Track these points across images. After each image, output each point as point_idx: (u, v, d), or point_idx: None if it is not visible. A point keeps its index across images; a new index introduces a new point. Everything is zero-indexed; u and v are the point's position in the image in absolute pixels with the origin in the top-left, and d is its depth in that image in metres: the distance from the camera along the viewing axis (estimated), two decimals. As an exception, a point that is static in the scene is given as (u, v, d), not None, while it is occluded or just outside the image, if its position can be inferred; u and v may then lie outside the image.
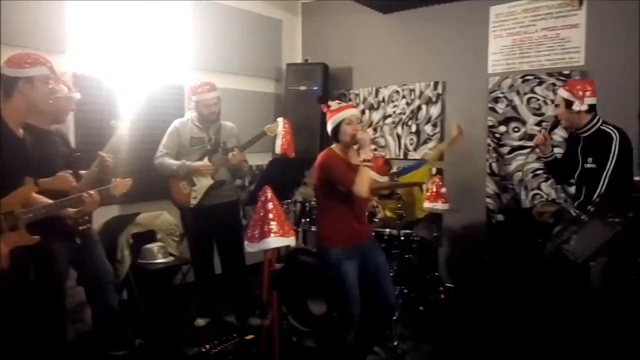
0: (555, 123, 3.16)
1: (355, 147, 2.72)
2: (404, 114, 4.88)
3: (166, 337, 3.56)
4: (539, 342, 3.12)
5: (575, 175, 3.04)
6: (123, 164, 3.04)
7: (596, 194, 2.82)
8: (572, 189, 3.46)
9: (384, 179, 3.83)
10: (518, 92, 4.17)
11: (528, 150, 3.96)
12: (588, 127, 2.96)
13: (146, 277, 3.80)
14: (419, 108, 4.78)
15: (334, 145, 2.77)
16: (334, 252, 2.66)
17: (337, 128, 2.69)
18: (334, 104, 2.75)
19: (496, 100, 4.30)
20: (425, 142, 4.72)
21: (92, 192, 2.60)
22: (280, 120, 3.76)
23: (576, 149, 3.02)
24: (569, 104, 2.94)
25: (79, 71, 3.71)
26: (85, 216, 2.83)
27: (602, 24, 3.80)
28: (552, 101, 3.23)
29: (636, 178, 3.10)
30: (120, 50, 3.96)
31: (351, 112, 2.71)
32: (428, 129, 4.72)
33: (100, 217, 3.69)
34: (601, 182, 2.81)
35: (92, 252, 2.96)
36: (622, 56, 3.71)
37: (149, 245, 3.87)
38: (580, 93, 2.93)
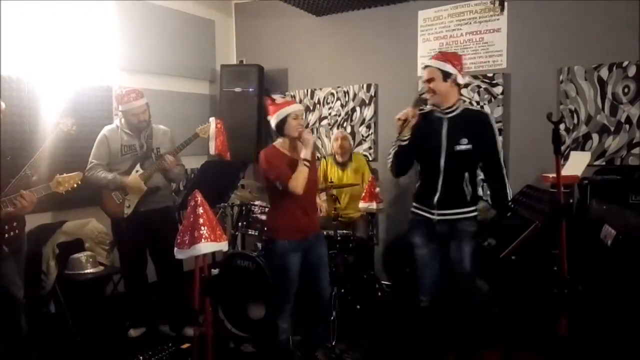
0: (422, 100, 2.81)
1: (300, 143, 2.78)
2: (339, 115, 4.94)
3: (98, 350, 3.42)
4: (473, 335, 3.23)
5: (441, 161, 2.66)
6: (54, 169, 2.80)
7: (491, 176, 2.67)
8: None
9: None
10: (446, 94, 4.32)
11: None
12: (455, 106, 2.69)
13: (75, 288, 3.63)
14: (353, 110, 4.86)
15: (277, 141, 2.83)
16: (280, 244, 2.76)
17: (282, 122, 2.74)
18: (278, 98, 2.83)
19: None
20: (360, 143, 4.80)
21: (24, 192, 2.43)
22: (212, 120, 3.72)
23: (438, 132, 2.67)
24: (446, 76, 2.63)
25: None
26: (14, 222, 2.59)
27: (521, 28, 4.01)
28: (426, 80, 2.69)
29: (550, 175, 3.28)
30: (44, 50, 3.77)
31: (297, 107, 2.79)
32: (362, 130, 4.80)
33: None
34: (491, 161, 2.64)
35: (10, 265, 2.76)
36: (540, 58, 3.94)
37: (76, 255, 3.68)
38: (459, 66, 2.66)
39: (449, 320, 2.79)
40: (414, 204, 2.84)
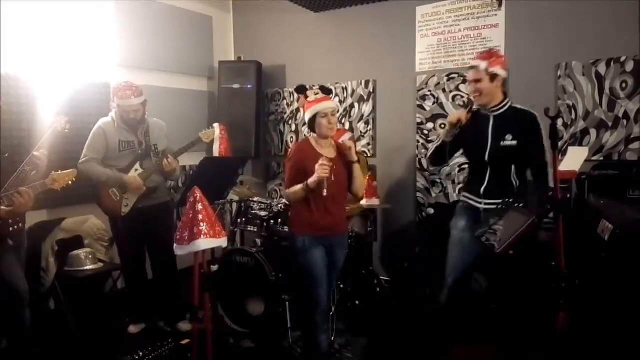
0: (471, 102, 2.95)
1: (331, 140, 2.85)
2: (337, 111, 4.92)
3: (98, 347, 3.43)
4: (472, 331, 3.25)
5: (486, 155, 2.80)
6: (51, 166, 2.77)
7: (534, 171, 2.75)
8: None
9: None
10: (444, 90, 4.33)
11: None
12: (502, 104, 2.80)
13: (74, 285, 3.64)
14: (351, 106, 4.86)
15: (312, 135, 2.88)
16: (300, 239, 2.78)
17: (312, 120, 2.78)
18: (311, 95, 2.82)
19: (424, 98, 4.45)
20: (358, 139, 4.80)
21: (21, 189, 2.43)
22: (216, 126, 3.80)
23: (485, 129, 2.81)
24: (493, 77, 2.73)
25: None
26: (17, 217, 2.60)
27: (519, 24, 4.01)
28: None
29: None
30: (41, 47, 3.76)
31: (326, 105, 2.77)
32: (361, 126, 4.81)
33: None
34: (536, 160, 2.70)
35: (12, 259, 2.76)
36: (538, 54, 3.94)
37: (75, 252, 3.69)
38: (504, 65, 2.77)
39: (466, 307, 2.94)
40: (464, 193, 3.03)
